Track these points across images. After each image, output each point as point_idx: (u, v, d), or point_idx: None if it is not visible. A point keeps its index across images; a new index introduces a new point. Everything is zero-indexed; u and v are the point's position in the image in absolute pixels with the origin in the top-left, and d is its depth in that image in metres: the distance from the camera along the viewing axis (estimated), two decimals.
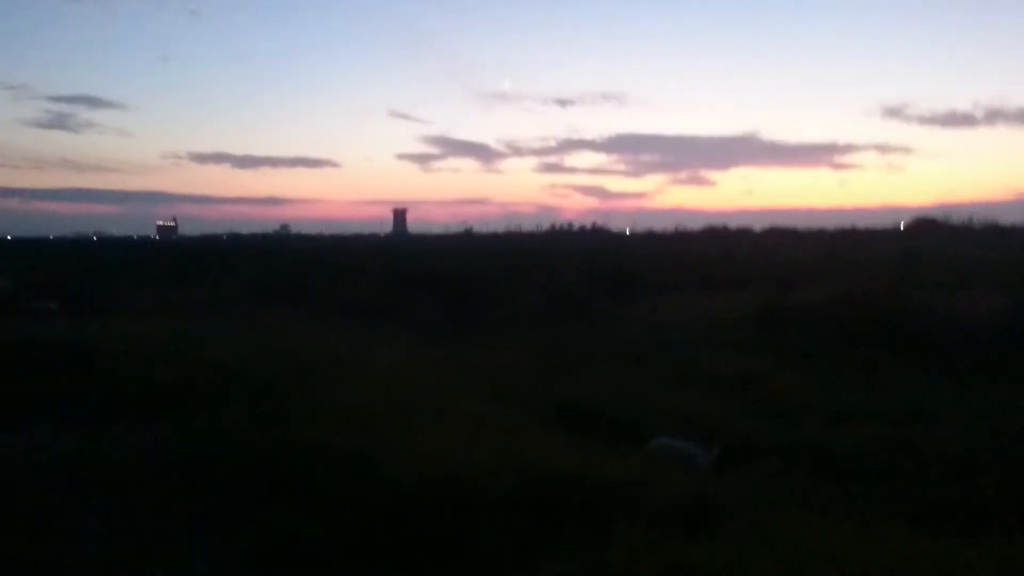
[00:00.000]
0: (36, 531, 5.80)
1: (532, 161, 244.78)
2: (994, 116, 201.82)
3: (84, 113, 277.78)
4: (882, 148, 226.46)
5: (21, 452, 7.85)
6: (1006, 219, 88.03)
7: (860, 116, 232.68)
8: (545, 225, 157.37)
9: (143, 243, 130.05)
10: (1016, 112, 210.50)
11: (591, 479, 6.51)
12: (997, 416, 11.98)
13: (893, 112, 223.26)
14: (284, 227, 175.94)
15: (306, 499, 6.14)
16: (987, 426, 11.45)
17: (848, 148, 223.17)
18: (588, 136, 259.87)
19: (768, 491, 7.57)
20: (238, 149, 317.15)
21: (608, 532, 5.46)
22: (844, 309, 21.28)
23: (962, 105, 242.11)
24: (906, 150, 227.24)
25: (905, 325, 19.13)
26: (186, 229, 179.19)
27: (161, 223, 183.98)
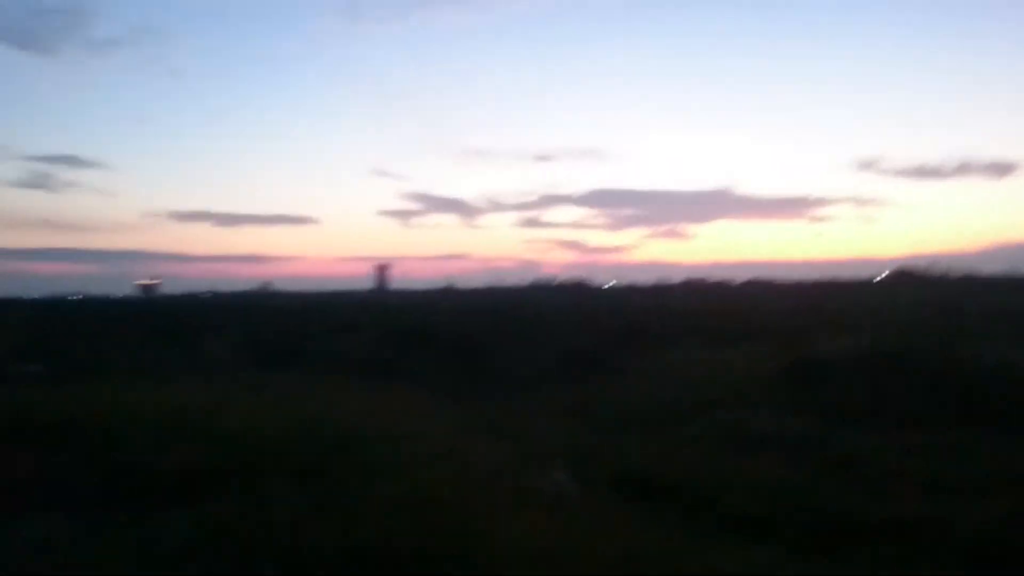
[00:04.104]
0: None
1: (511, 216, 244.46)
2: (965, 168, 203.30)
3: (64, 173, 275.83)
4: (855, 200, 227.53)
5: (10, 556, 6.37)
6: (981, 270, 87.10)
7: (833, 169, 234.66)
8: (526, 279, 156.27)
9: (125, 302, 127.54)
10: (985, 164, 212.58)
11: None
12: None
13: (866, 165, 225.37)
14: (266, 284, 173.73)
15: None
16: None
17: (821, 201, 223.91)
18: (566, 191, 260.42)
19: None
20: (219, 207, 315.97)
21: None
22: (883, 362, 20.03)
23: (933, 158, 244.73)
24: (879, 202, 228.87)
25: (955, 379, 17.91)
26: (167, 287, 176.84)
27: (143, 282, 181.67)
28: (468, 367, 26.38)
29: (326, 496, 6.82)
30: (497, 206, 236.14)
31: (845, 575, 6.22)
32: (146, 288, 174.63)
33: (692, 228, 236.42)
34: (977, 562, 7.79)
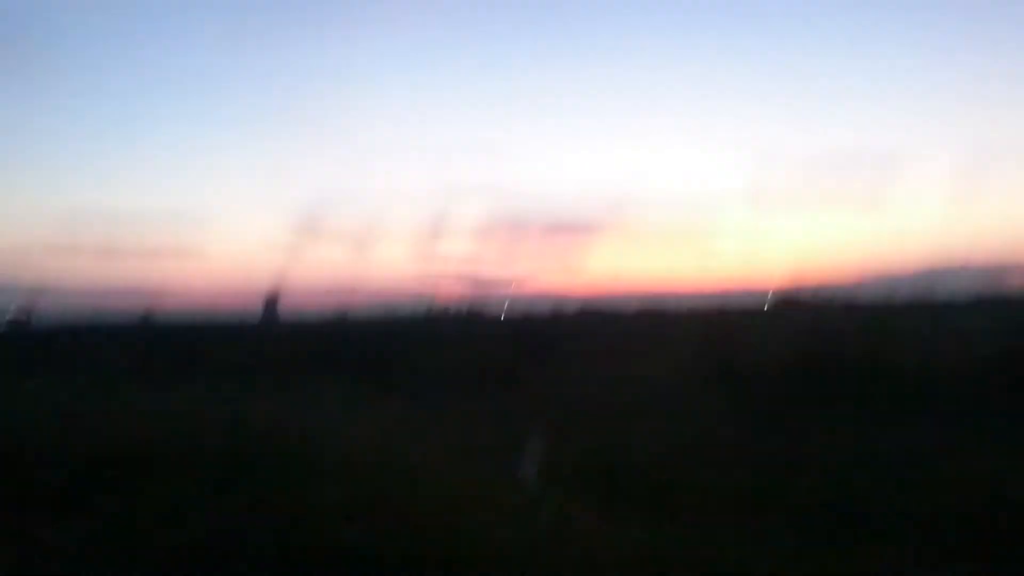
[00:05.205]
0: None
1: (402, 246, 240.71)
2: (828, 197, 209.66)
3: None
4: (740, 227, 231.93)
5: None
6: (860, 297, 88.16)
7: (719, 191, 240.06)
8: (420, 309, 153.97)
9: None
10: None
11: None
12: None
13: (742, 191, 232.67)
14: (147, 316, 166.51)
15: None
16: None
17: (709, 227, 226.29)
18: (458, 220, 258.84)
19: None
20: (97, 235, 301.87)
21: None
22: (808, 366, 19.79)
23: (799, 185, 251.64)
24: (760, 230, 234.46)
25: (887, 377, 17.77)
26: (42, 321, 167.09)
27: (12, 316, 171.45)
28: (376, 383, 25.08)
29: (254, 503, 5.60)
30: (388, 234, 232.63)
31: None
32: (15, 322, 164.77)
33: (580, 257, 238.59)
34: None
